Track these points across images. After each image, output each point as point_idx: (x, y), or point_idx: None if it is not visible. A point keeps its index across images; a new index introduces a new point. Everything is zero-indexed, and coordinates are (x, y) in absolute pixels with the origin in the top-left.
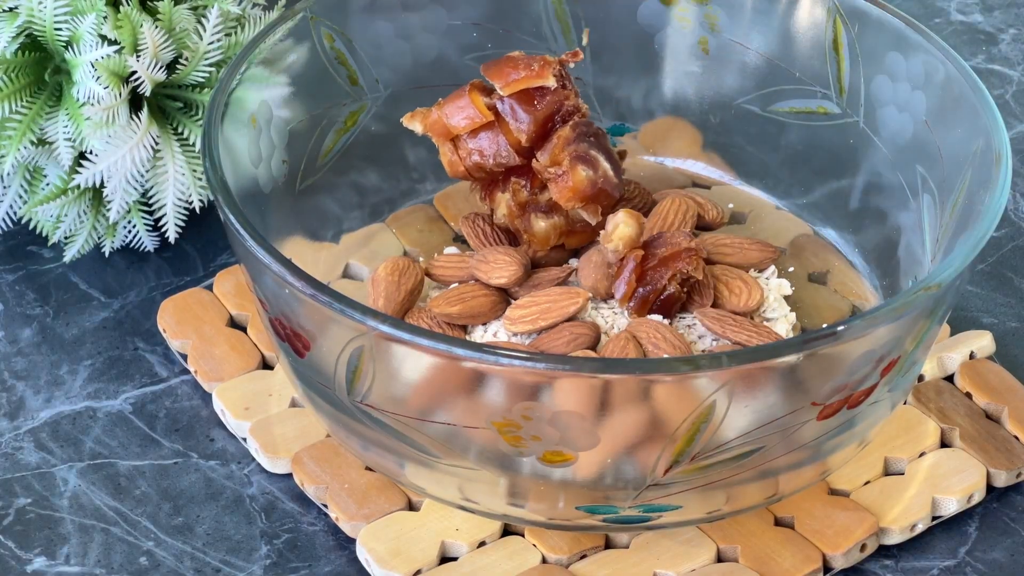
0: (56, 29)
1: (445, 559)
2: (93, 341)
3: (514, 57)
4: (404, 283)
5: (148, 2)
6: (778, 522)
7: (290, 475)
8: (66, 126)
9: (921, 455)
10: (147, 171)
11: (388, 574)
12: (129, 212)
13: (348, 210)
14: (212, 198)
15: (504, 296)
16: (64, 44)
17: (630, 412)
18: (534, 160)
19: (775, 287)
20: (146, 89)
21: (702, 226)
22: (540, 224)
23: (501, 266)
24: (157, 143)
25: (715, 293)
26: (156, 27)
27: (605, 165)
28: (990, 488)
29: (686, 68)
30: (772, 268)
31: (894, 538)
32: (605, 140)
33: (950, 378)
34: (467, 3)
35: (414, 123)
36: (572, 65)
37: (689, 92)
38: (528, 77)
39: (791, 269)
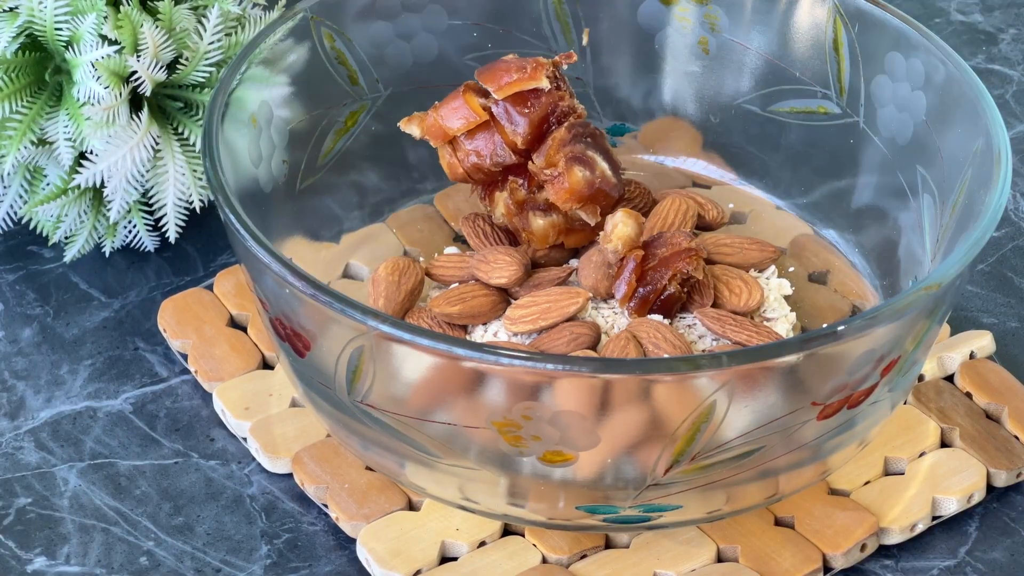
0: (56, 29)
1: (445, 559)
2: (93, 341)
3: (506, 60)
4: (404, 283)
5: (148, 2)
6: (778, 522)
7: (290, 475)
8: (66, 126)
9: (921, 455)
10: (147, 171)
11: (388, 574)
12: (129, 212)
13: (348, 210)
14: (212, 198)
15: (504, 296)
16: (64, 44)
17: (630, 412)
18: (530, 162)
19: (775, 287)
20: (146, 89)
21: (702, 226)
22: (538, 222)
23: (501, 266)
24: (157, 143)
25: (715, 293)
26: (156, 27)
27: (603, 165)
28: (990, 488)
29: (686, 68)
30: (772, 268)
31: (894, 538)
32: (603, 140)
33: (950, 378)
34: (467, 3)
35: (411, 127)
36: (566, 66)
37: (689, 92)
38: (521, 80)
39: (791, 269)
